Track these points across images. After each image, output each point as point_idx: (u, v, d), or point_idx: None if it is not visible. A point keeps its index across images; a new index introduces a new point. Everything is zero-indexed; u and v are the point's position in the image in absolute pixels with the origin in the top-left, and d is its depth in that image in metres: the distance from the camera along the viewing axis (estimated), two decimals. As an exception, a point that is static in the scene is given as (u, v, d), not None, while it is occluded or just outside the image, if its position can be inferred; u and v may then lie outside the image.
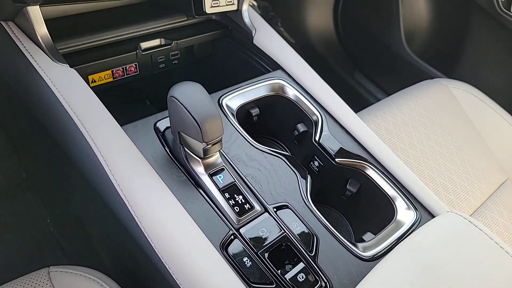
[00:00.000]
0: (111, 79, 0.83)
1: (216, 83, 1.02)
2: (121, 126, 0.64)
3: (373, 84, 1.87)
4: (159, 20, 0.87)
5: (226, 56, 0.95)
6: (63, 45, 0.75)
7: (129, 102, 1.03)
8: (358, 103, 1.87)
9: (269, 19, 2.07)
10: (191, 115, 0.53)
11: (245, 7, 0.87)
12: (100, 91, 0.81)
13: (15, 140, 1.20)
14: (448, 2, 1.56)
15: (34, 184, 1.24)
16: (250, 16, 0.88)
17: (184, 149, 0.59)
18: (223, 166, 0.61)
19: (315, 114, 0.76)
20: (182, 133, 0.57)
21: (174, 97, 0.55)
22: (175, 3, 0.89)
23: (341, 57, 1.96)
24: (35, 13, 0.65)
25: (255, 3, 1.97)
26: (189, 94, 0.55)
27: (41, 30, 0.66)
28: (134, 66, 0.84)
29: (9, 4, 0.63)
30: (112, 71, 0.82)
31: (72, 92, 0.63)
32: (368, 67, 1.88)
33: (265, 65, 0.85)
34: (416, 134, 1.12)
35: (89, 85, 0.79)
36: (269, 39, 0.86)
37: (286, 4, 1.98)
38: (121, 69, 0.83)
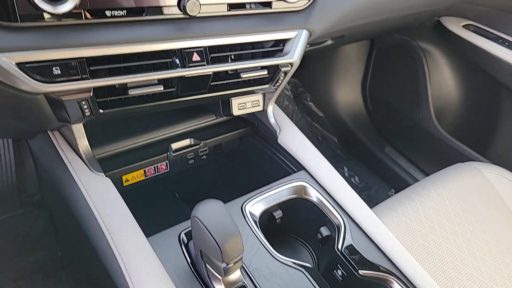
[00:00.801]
0: (143, 178, 0.88)
1: (242, 177, 1.05)
2: (148, 230, 0.67)
3: (404, 159, 1.86)
4: (189, 120, 0.93)
5: (252, 151, 0.98)
6: (100, 150, 0.81)
7: (159, 195, 1.08)
8: (389, 179, 1.86)
9: (299, 95, 2.15)
10: (211, 235, 0.55)
11: (270, 108, 0.92)
12: (132, 188, 0.86)
13: (55, 219, 1.26)
14: (476, 81, 1.56)
15: (68, 264, 1.28)
16: (275, 116, 0.92)
17: (206, 266, 0.60)
18: (243, 284, 0.61)
19: (337, 219, 0.76)
20: (203, 251, 0.59)
21: (196, 217, 0.57)
22: (204, 105, 0.95)
23: (370, 131, 1.98)
24: (78, 128, 0.72)
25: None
26: (210, 213, 0.57)
27: (82, 142, 0.73)
28: (165, 164, 0.89)
29: (55, 122, 0.70)
30: (144, 170, 0.87)
31: (105, 203, 0.68)
32: (399, 142, 1.87)
33: (289, 163, 0.88)
34: (449, 225, 1.08)
35: (122, 184, 0.84)
36: (292, 139, 0.89)
37: (314, 79, 2.06)
38: (153, 168, 0.88)
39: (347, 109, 2.04)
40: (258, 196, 0.77)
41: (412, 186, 1.23)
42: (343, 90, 2.03)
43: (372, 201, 1.80)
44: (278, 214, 0.78)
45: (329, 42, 1.25)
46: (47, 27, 0.58)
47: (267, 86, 0.83)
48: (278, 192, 0.79)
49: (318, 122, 2.11)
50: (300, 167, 0.85)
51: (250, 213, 0.74)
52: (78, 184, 0.69)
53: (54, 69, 0.59)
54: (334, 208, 0.78)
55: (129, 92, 0.66)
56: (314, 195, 0.80)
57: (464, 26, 1.45)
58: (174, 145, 0.88)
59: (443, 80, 1.67)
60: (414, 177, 1.78)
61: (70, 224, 0.90)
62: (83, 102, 0.64)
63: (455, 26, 1.46)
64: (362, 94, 2.00)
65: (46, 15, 0.56)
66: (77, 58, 0.60)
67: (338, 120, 2.04)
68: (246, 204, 0.75)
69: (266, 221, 0.78)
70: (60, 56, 0.59)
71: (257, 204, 0.76)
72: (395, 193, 1.84)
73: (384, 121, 1.92)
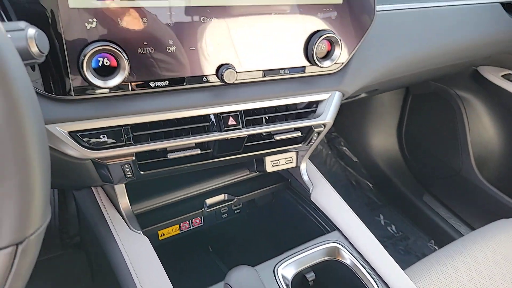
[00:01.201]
0: (178, 232, 0.90)
1: (275, 232, 1.05)
2: (181, 285, 0.68)
3: (444, 209, 1.78)
4: (223, 176, 0.95)
5: (285, 206, 0.99)
6: (138, 206, 0.85)
7: (193, 248, 1.09)
8: (428, 229, 1.78)
9: (332, 139, 2.14)
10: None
11: (303, 165, 0.93)
12: (167, 242, 0.89)
13: (93, 263, 1.30)
14: (519, 131, 1.51)
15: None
16: (308, 172, 0.93)
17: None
18: None
19: (372, 285, 0.74)
20: (234, 318, 0.59)
21: (229, 285, 0.58)
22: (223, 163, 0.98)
23: (407, 178, 1.93)
24: (120, 187, 0.76)
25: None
26: (243, 282, 0.58)
27: (123, 201, 0.77)
28: (200, 218, 0.91)
29: (99, 181, 0.75)
30: (179, 225, 0.89)
31: (141, 260, 0.70)
32: (438, 191, 1.81)
33: (323, 222, 0.87)
34: (494, 289, 1.02)
35: (158, 238, 0.87)
36: (326, 197, 0.89)
37: (348, 124, 2.06)
38: (188, 222, 0.90)
39: (382, 155, 2.01)
40: (291, 258, 0.77)
41: (453, 243, 1.18)
42: (378, 135, 2.01)
43: (410, 253, 1.73)
44: (310, 276, 0.77)
45: (363, 95, 1.26)
46: (97, 99, 0.63)
47: (300, 145, 0.85)
48: (311, 254, 0.78)
49: (352, 167, 2.09)
50: (333, 227, 0.84)
51: (283, 276, 0.74)
52: (117, 241, 0.72)
53: (101, 136, 0.64)
54: (368, 273, 0.76)
55: (168, 156, 0.70)
56: (348, 257, 0.79)
57: (503, 76, 1.43)
58: (209, 201, 0.90)
59: (483, 128, 1.62)
60: (455, 228, 1.71)
61: (106, 270, 0.93)
62: (126, 166, 0.68)
63: (494, 75, 1.43)
64: (398, 140, 1.97)
65: (97, 89, 0.61)
66: (122, 126, 0.65)
67: (373, 166, 2.01)
68: (278, 266, 0.75)
69: (299, 284, 0.77)
70: (107, 124, 0.64)
71: (289, 266, 0.76)
72: (435, 244, 1.76)
73: (421, 168, 1.87)
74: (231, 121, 0.73)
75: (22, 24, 0.43)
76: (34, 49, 0.43)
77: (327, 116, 0.80)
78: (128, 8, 0.60)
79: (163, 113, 0.68)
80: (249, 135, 0.76)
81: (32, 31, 0.44)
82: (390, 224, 1.86)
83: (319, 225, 0.87)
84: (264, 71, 0.74)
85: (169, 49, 0.65)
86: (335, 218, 0.85)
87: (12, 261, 0.37)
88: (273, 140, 0.79)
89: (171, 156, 0.70)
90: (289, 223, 0.97)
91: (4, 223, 0.36)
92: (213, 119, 0.73)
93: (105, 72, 0.61)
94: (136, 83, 0.65)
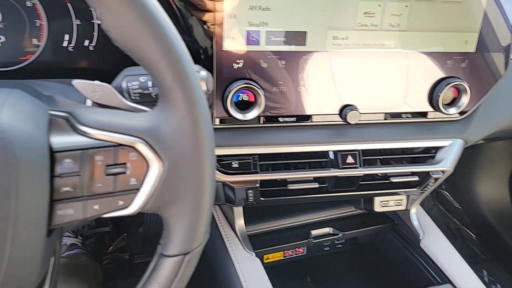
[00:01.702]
0: (281, 258, 0.94)
1: (377, 273, 1.03)
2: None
3: None
4: (329, 209, 0.98)
5: (390, 248, 0.97)
6: (250, 227, 0.91)
7: (292, 275, 1.12)
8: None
9: (434, 182, 2.03)
10: None
11: (414, 209, 0.91)
12: (269, 266, 0.93)
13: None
14: None
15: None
16: (419, 218, 0.91)
17: None
18: None
19: None
20: None
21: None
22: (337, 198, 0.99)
23: (519, 234, 1.74)
24: (238, 209, 0.83)
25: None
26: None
27: (239, 222, 0.83)
28: (303, 248, 0.94)
29: (222, 201, 0.82)
30: (284, 251, 0.93)
31: (254, 281, 0.75)
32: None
33: (433, 272, 0.84)
34: None
35: (263, 261, 0.92)
36: (438, 246, 0.86)
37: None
38: (292, 250, 0.94)
39: (490, 204, 1.85)
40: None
41: None
42: (487, 183, 1.86)
43: (518, 319, 1.54)
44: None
45: (480, 141, 1.19)
46: (233, 129, 0.71)
47: (414, 189, 0.84)
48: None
49: (453, 214, 1.95)
50: (445, 279, 0.81)
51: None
52: (232, 259, 0.78)
53: (233, 162, 0.71)
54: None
55: (289, 186, 0.75)
56: (460, 314, 0.75)
57: None
58: (315, 232, 0.93)
59: None
60: None
61: (206, 281, 1.00)
62: (250, 191, 0.75)
63: None
64: (509, 191, 1.80)
65: (235, 120, 0.69)
66: (252, 155, 0.72)
67: (478, 215, 1.86)
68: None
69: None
70: (240, 152, 0.71)
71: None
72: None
73: (538, 225, 1.68)
74: (349, 160, 0.76)
75: (196, 67, 0.51)
76: (204, 88, 0.51)
77: (447, 163, 0.79)
78: (271, 52, 0.68)
79: (287, 146, 0.73)
80: (365, 174, 0.78)
81: (203, 73, 0.53)
82: (495, 282, 1.68)
83: (429, 274, 0.84)
84: (386, 113, 0.76)
85: (300, 88, 0.71)
86: (447, 269, 0.81)
87: (178, 268, 0.44)
88: (389, 181, 0.80)
89: (291, 187, 0.75)
90: (392, 266, 0.95)
91: (177, 235, 0.43)
92: (331, 156, 0.76)
93: (242, 106, 0.69)
94: (267, 117, 0.71)
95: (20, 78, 0.69)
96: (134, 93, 0.54)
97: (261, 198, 0.77)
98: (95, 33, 0.71)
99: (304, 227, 0.94)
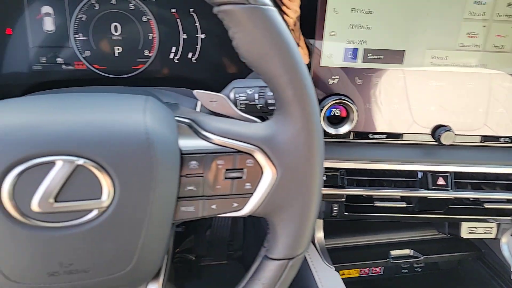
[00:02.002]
0: (357, 275, 0.93)
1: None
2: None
3: None
4: (409, 230, 0.95)
5: (474, 278, 0.92)
6: (328, 241, 0.91)
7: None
8: None
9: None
10: None
11: (504, 239, 0.86)
12: (345, 282, 0.92)
13: None
14: None
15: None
16: (510, 248, 0.86)
17: None
18: None
19: None
20: None
21: None
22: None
23: None
24: (319, 222, 0.84)
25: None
26: None
27: (319, 235, 0.84)
28: (380, 268, 0.93)
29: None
30: (360, 269, 0.92)
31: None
32: None
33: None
34: None
35: (338, 277, 0.91)
36: (532, 280, 0.81)
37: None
38: (368, 269, 0.93)
39: None
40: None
41: None
42: None
43: None
44: None
45: None
46: (324, 143, 0.72)
47: (508, 218, 0.79)
48: None
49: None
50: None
51: None
52: (312, 272, 0.79)
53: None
54: None
55: (375, 203, 0.75)
56: None
57: None
58: (394, 253, 0.91)
59: None
60: None
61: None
62: (335, 205, 0.75)
63: None
64: None
65: (326, 135, 0.71)
66: (340, 169, 0.73)
67: None
68: None
69: None
70: (329, 165, 0.72)
71: None
72: None
73: None
74: (440, 181, 0.74)
75: None
76: None
77: (548, 192, 0.74)
78: (367, 69, 0.69)
79: (375, 163, 0.73)
80: (455, 198, 0.76)
81: None
82: None
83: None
84: (482, 136, 0.73)
85: (393, 106, 0.71)
86: (542, 307, 0.76)
87: (282, 272, 0.46)
88: (481, 207, 0.77)
89: (377, 204, 0.75)
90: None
91: (283, 241, 0.45)
92: (420, 176, 0.75)
93: (333, 120, 0.71)
94: (357, 133, 0.72)
95: (131, 85, 0.76)
96: (240, 103, 0.58)
97: (345, 213, 0.77)
98: (198, 47, 0.77)
99: (383, 246, 0.93)
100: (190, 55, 0.77)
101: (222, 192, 0.44)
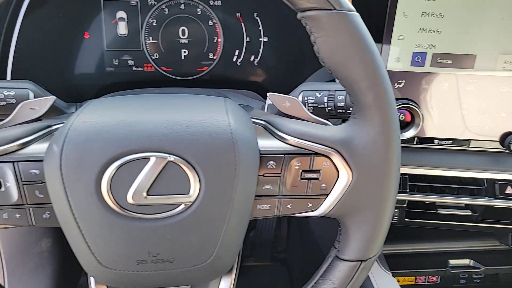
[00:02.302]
0: (412, 283, 0.91)
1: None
2: None
3: None
4: (469, 239, 0.92)
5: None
6: (384, 246, 0.90)
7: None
8: None
9: None
10: None
11: None
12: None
13: (293, 280, 1.42)
14: None
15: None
16: None
17: None
18: None
19: None
20: None
21: None
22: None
23: None
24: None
25: None
26: None
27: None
28: (437, 277, 0.90)
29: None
30: (416, 277, 0.90)
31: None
32: None
33: None
34: None
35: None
36: None
37: None
38: (424, 277, 0.90)
39: None
40: None
41: None
42: None
43: None
44: None
45: None
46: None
47: None
48: None
49: None
50: None
51: None
52: (370, 278, 0.78)
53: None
54: None
55: (438, 211, 0.73)
56: None
57: None
58: (453, 262, 0.89)
59: None
60: None
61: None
62: (396, 210, 0.75)
63: None
64: None
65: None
66: (402, 174, 0.72)
67: None
68: None
69: None
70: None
71: None
72: None
73: None
74: (509, 190, 0.71)
75: None
76: None
77: None
78: (434, 73, 0.68)
79: (440, 169, 0.72)
80: (525, 208, 0.73)
81: None
82: None
83: None
84: (557, 144, 0.70)
85: (460, 112, 0.69)
86: None
87: (354, 273, 0.47)
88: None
89: (441, 211, 0.73)
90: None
91: (356, 242, 0.46)
92: (485, 184, 0.73)
93: (397, 125, 0.70)
94: (422, 138, 0.71)
95: (195, 87, 0.79)
96: (309, 106, 0.59)
97: (406, 219, 0.76)
98: (261, 50, 0.78)
99: (441, 255, 0.90)
100: (252, 58, 0.79)
101: (298, 192, 0.45)
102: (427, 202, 0.74)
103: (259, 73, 0.80)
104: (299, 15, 0.42)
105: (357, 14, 0.41)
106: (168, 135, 0.40)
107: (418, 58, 0.67)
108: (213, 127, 0.41)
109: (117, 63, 0.78)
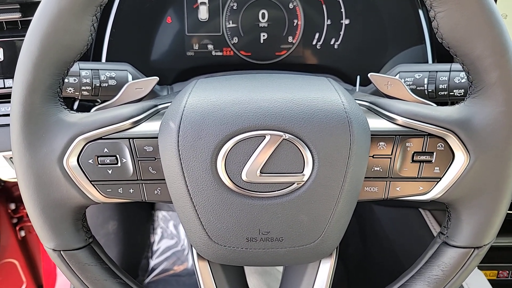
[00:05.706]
0: (494, 277, 0.87)
1: None
2: None
3: None
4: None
5: None
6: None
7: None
8: None
9: None
10: None
11: None
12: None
13: (349, 273, 1.40)
14: None
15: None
16: None
17: None
18: None
19: None
20: None
21: None
22: None
23: None
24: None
25: None
26: None
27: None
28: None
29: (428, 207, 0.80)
30: (498, 271, 0.86)
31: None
32: None
33: None
34: None
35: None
36: None
37: None
38: (507, 272, 0.86)
39: None
40: None
41: None
42: None
43: None
44: None
45: None
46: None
47: None
48: None
49: None
50: None
51: None
52: None
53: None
54: None
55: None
56: None
57: None
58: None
59: None
60: None
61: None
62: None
63: None
64: None
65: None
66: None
67: None
68: None
69: None
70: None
71: None
72: None
73: None
74: None
75: None
76: None
77: None
78: None
79: None
80: None
81: None
82: None
83: None
84: None
85: None
86: None
87: (466, 260, 0.45)
88: None
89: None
90: None
91: (470, 228, 0.44)
92: None
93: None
94: None
95: (273, 71, 0.79)
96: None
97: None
98: (342, 33, 0.76)
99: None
100: (333, 41, 0.77)
101: (408, 175, 0.44)
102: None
103: (338, 56, 0.78)
104: None
105: None
106: (283, 113, 0.40)
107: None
108: (327, 105, 0.41)
109: (197, 48, 0.79)
